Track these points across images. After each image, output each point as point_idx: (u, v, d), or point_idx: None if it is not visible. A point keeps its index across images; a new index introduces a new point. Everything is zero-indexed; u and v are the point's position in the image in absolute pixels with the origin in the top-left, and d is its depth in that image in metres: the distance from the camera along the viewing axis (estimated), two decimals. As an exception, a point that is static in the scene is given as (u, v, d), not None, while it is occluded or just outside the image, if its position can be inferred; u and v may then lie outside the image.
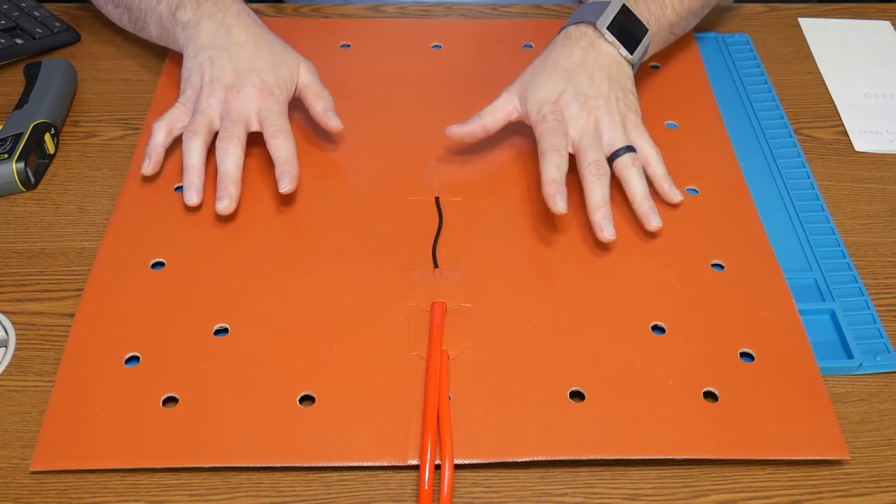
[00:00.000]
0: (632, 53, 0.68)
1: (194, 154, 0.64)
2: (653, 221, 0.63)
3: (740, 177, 0.69)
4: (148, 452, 0.51)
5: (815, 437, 0.52)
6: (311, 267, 0.61)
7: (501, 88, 0.69)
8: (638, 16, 0.69)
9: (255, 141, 0.67)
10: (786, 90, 0.80)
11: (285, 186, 0.63)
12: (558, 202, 0.60)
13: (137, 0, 0.73)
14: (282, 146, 0.64)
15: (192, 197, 0.63)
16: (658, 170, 0.66)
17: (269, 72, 0.67)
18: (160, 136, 0.66)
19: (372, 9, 0.88)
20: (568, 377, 0.55)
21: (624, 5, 0.68)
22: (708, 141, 0.72)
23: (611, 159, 0.65)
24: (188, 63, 0.69)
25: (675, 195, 0.66)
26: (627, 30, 0.68)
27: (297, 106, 0.71)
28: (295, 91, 0.70)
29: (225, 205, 0.62)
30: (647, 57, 0.72)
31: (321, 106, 0.69)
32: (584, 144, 0.64)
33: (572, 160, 0.64)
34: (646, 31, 0.69)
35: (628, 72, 0.69)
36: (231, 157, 0.63)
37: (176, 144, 0.67)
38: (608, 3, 0.68)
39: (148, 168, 0.65)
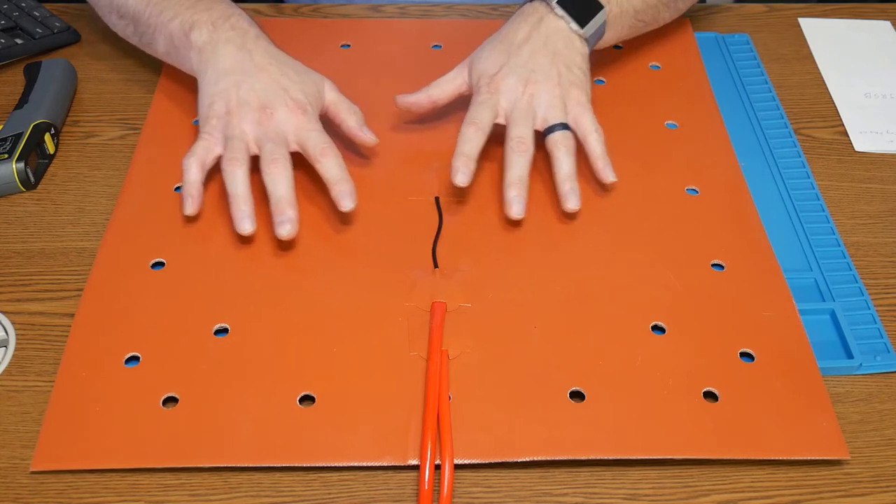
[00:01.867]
0: (582, 27, 0.68)
1: (239, 183, 0.61)
2: (570, 203, 0.63)
3: (740, 177, 0.69)
4: (148, 452, 0.51)
5: (815, 437, 0.52)
6: (311, 267, 0.61)
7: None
8: None
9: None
10: (786, 90, 0.80)
11: (348, 205, 0.61)
12: (459, 176, 0.61)
13: (146, 14, 0.70)
14: (332, 164, 0.62)
15: (248, 226, 0.60)
16: (596, 148, 0.65)
17: (298, 90, 0.65)
18: (194, 173, 0.62)
19: (372, 9, 0.88)
20: (568, 377, 0.55)
21: None
22: (708, 141, 0.72)
23: (544, 135, 0.65)
24: (209, 89, 0.65)
25: (608, 175, 0.65)
26: (580, 5, 0.68)
27: None
28: (323, 109, 0.68)
29: (287, 230, 0.59)
30: (613, 40, 0.72)
31: (354, 121, 0.67)
32: (512, 119, 0.65)
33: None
34: (600, 7, 0.68)
35: (580, 47, 0.68)
36: (282, 181, 0.60)
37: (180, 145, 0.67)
38: None
39: (192, 209, 0.61)
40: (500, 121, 0.65)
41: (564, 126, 0.64)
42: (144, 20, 0.71)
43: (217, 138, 0.64)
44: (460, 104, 0.70)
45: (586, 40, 0.69)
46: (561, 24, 0.68)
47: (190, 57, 0.68)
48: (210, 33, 0.67)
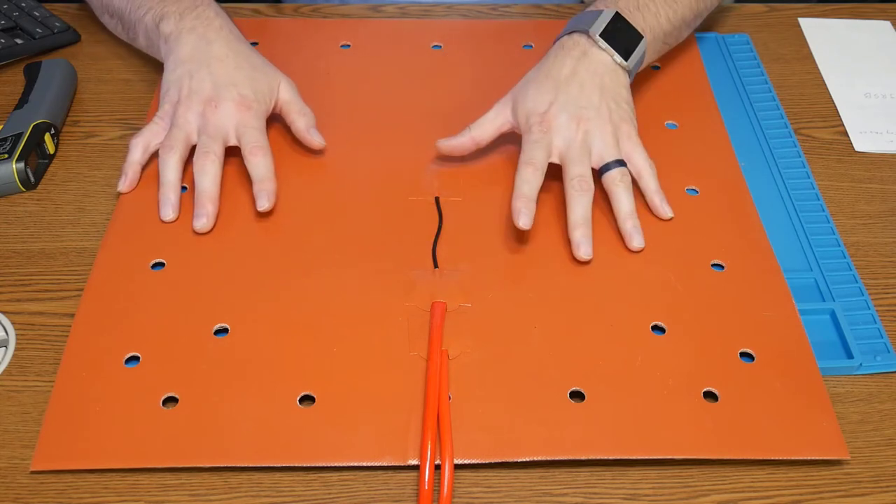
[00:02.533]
0: (626, 60, 0.67)
1: (170, 170, 0.64)
2: (634, 241, 0.62)
3: (740, 177, 0.69)
4: (148, 452, 0.51)
5: (815, 437, 0.52)
6: (311, 267, 0.61)
7: (501, 88, 0.69)
8: (632, 23, 0.68)
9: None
10: (786, 90, 0.80)
11: (263, 204, 0.63)
12: (522, 218, 0.60)
13: (128, 11, 0.74)
14: (260, 163, 0.64)
15: (169, 213, 0.63)
16: (650, 184, 0.65)
17: (247, 86, 0.67)
18: (137, 154, 0.66)
19: (372, 9, 0.88)
20: (568, 377, 0.55)
21: (617, 13, 0.68)
22: (708, 141, 0.72)
23: (600, 172, 0.64)
24: (167, 76, 0.68)
25: (665, 211, 0.65)
26: (622, 37, 0.67)
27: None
28: (275, 107, 0.70)
29: (203, 223, 0.62)
30: (642, 67, 0.71)
31: (303, 123, 0.69)
32: (569, 157, 0.63)
33: (555, 170, 0.64)
34: (640, 37, 0.68)
35: (624, 80, 0.68)
36: (208, 175, 0.63)
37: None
38: (601, 12, 0.68)
39: (124, 186, 0.65)
40: (554, 160, 0.64)
41: (620, 163, 0.64)
42: (127, 16, 0.74)
43: (166, 124, 0.67)
44: (461, 100, 0.70)
45: (629, 72, 0.68)
46: (605, 58, 0.67)
47: (160, 47, 0.71)
48: (176, 23, 0.69)
